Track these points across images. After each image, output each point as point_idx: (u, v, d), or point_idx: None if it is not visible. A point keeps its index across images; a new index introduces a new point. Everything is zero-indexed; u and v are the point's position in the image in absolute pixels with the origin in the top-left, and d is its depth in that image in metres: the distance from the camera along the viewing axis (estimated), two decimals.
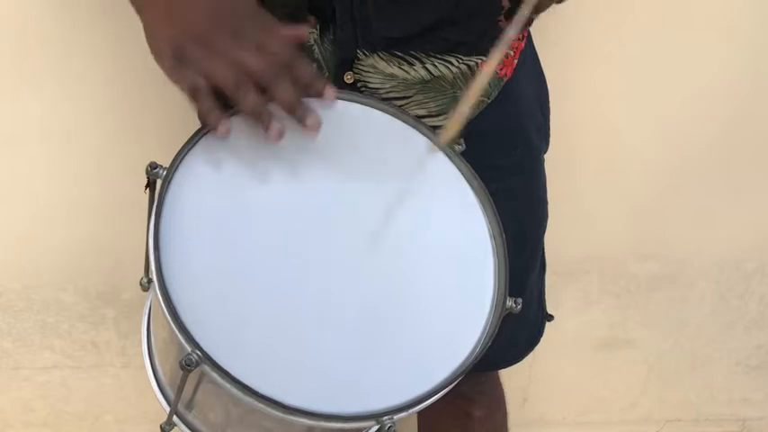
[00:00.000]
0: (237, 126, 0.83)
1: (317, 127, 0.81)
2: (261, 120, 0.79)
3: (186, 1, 0.81)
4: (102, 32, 1.26)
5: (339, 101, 0.88)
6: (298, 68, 0.81)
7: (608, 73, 1.40)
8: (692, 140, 1.49)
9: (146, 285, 0.94)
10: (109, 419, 1.71)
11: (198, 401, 0.83)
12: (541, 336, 1.24)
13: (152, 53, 0.82)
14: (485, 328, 0.80)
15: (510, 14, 0.97)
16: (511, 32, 0.85)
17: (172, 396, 0.87)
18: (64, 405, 1.67)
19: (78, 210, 1.45)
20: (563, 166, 1.21)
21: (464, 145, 0.90)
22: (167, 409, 0.88)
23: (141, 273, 0.94)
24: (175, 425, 0.89)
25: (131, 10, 0.88)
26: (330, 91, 0.82)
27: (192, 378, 0.75)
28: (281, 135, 0.79)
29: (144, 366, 0.93)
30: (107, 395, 1.67)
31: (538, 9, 0.89)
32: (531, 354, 1.25)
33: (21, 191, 1.42)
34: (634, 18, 1.35)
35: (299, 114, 0.80)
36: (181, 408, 0.87)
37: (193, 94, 0.79)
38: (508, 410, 1.38)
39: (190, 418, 0.88)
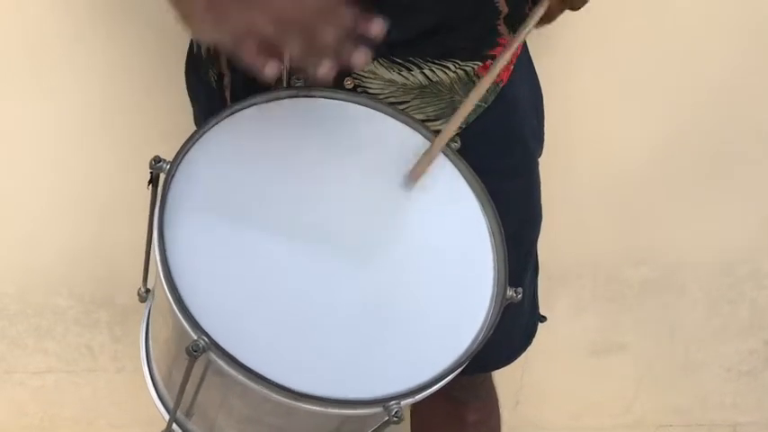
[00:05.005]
0: (243, 121, 0.84)
1: (365, 61, 0.76)
2: (311, 64, 0.76)
3: None
4: (101, 32, 1.26)
5: (340, 102, 0.89)
6: (338, 13, 0.76)
7: (601, 79, 1.41)
8: (684, 146, 1.50)
9: (144, 296, 0.95)
10: (102, 424, 1.70)
11: (199, 404, 0.83)
12: (534, 336, 1.25)
13: (179, 15, 0.78)
14: (486, 317, 0.81)
15: (509, 19, 0.99)
16: (514, 44, 0.86)
17: (170, 404, 0.88)
18: (57, 409, 1.67)
19: (73, 214, 1.45)
20: (556, 171, 1.22)
21: (459, 142, 0.91)
22: (166, 416, 0.88)
23: (136, 277, 0.94)
24: None
25: (133, 8, 0.88)
26: (378, 26, 0.77)
27: (196, 375, 0.76)
28: (333, 72, 0.75)
29: (139, 370, 0.93)
30: (101, 399, 1.66)
31: (548, 19, 0.90)
32: (524, 358, 1.25)
33: (15, 195, 1.42)
34: (628, 23, 1.36)
35: (346, 55, 0.76)
36: (180, 416, 0.87)
37: (237, 47, 0.75)
38: (501, 415, 1.38)
39: (190, 425, 0.88)
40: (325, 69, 0.75)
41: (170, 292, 0.73)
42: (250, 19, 0.75)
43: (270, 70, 0.75)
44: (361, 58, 0.76)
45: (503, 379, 1.35)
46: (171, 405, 0.86)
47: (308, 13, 0.76)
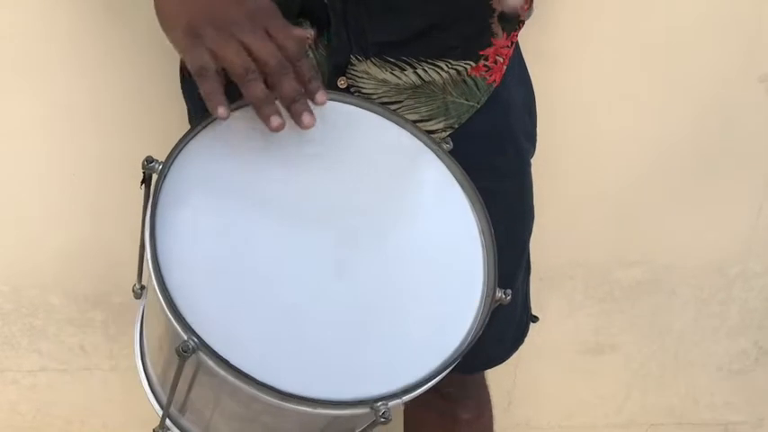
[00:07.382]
0: (234, 121, 0.84)
1: (311, 125, 0.82)
2: (263, 111, 0.80)
3: None
4: (94, 30, 1.27)
5: (332, 102, 0.89)
6: (302, 65, 0.82)
7: (594, 81, 1.41)
8: (677, 147, 1.51)
9: (138, 293, 0.95)
10: (96, 423, 1.70)
11: (192, 401, 0.83)
12: (526, 336, 1.26)
13: (162, 26, 0.82)
14: (475, 318, 0.82)
15: (503, 17, 0.99)
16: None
17: (164, 400, 0.88)
18: (51, 408, 1.67)
19: (67, 213, 1.45)
20: (548, 172, 1.23)
21: (452, 143, 0.92)
22: (160, 412, 0.89)
23: (130, 276, 0.94)
24: (168, 429, 0.90)
25: (130, 8, 0.89)
26: (322, 96, 0.83)
27: (187, 374, 0.76)
28: (280, 128, 0.80)
29: (132, 369, 0.94)
30: (94, 399, 1.66)
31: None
32: (516, 357, 1.26)
33: (9, 194, 1.42)
34: (619, 24, 1.36)
35: (297, 110, 0.81)
36: (174, 411, 0.88)
37: (200, 73, 0.79)
38: (493, 414, 1.39)
39: (184, 421, 0.89)
40: (277, 123, 0.80)
41: (161, 293, 0.73)
42: (222, 50, 0.79)
43: (222, 113, 0.79)
44: (309, 120, 0.81)
45: (495, 378, 1.36)
46: (165, 402, 0.87)
47: (278, 56, 0.80)
